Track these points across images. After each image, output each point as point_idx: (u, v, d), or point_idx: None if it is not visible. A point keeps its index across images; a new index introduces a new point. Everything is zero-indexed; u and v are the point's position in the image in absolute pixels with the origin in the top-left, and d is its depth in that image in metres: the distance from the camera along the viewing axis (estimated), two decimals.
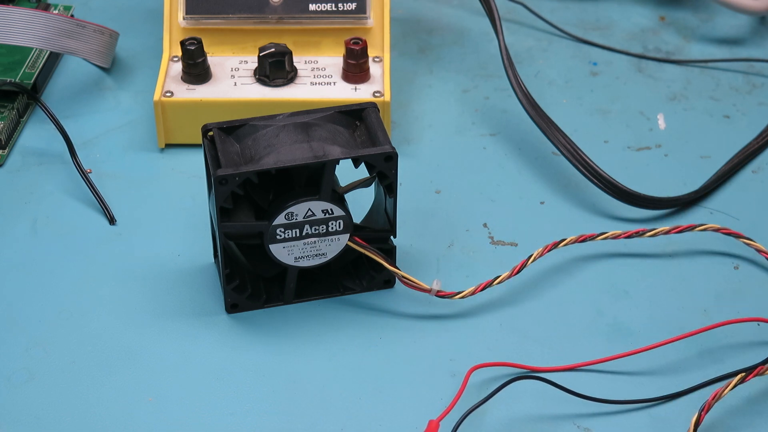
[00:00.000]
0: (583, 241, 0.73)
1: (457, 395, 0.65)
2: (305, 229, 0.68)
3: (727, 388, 0.63)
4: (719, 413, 0.66)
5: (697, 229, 0.74)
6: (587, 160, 0.79)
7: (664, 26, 0.97)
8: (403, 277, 0.70)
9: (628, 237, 0.74)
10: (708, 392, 0.66)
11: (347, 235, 0.69)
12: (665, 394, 0.67)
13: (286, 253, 0.69)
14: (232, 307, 0.71)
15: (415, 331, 0.71)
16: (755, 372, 0.65)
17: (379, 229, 0.72)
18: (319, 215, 0.68)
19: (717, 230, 0.74)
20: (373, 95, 0.81)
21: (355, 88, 0.82)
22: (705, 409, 0.62)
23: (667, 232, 0.74)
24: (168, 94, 0.81)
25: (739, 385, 0.64)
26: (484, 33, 0.95)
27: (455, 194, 0.80)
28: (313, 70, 0.83)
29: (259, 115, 0.70)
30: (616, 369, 0.68)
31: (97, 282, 0.73)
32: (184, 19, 0.84)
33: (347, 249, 0.70)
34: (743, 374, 0.65)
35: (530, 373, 0.66)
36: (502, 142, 0.84)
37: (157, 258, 0.75)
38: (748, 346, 0.70)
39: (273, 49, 0.81)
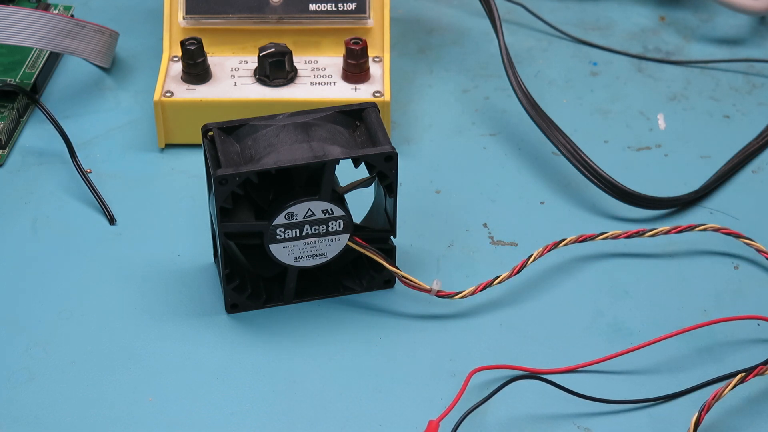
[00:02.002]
0: (583, 241, 0.73)
1: (457, 396, 0.65)
2: (305, 229, 0.68)
3: (727, 388, 0.63)
4: (719, 413, 0.65)
5: (697, 229, 0.74)
6: (587, 160, 0.79)
7: (664, 26, 0.97)
8: (403, 277, 0.70)
9: (628, 237, 0.74)
10: (708, 392, 0.66)
11: (347, 235, 0.69)
12: (665, 394, 0.67)
13: (286, 253, 0.69)
14: (232, 307, 0.71)
15: (415, 331, 0.71)
16: (755, 372, 0.65)
17: (379, 229, 0.72)
18: (319, 215, 0.68)
19: (717, 230, 0.74)
20: (373, 95, 0.81)
21: (355, 88, 0.82)
22: (705, 408, 0.62)
23: (667, 232, 0.74)
24: (168, 94, 0.81)
25: (739, 385, 0.64)
26: (484, 33, 0.95)
27: (455, 194, 0.80)
28: (313, 70, 0.83)
29: (259, 115, 0.70)
30: (616, 369, 0.68)
31: (97, 282, 0.73)
32: (184, 19, 0.84)
33: (347, 249, 0.70)
34: (743, 374, 0.65)
35: (530, 374, 0.66)
36: (502, 142, 0.84)
37: (157, 258, 0.75)
38: (748, 346, 0.70)
39: (273, 49, 0.81)
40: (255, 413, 0.66)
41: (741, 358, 0.69)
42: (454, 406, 0.64)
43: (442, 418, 0.64)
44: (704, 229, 0.74)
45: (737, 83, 0.91)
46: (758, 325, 0.71)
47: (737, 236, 0.74)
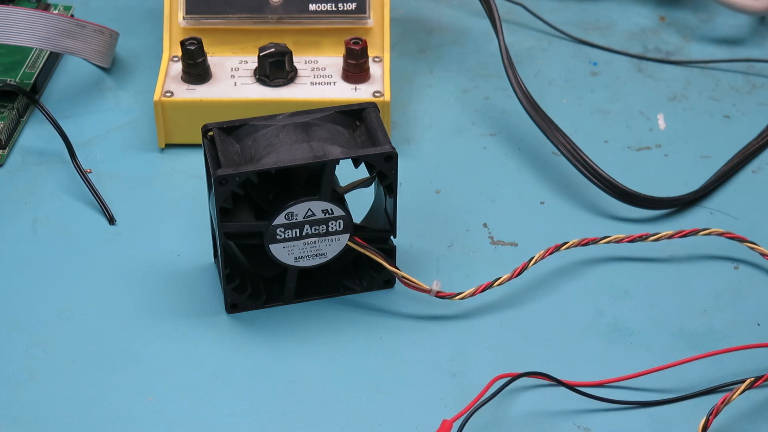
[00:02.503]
0: (586, 244, 0.73)
1: (476, 398, 0.64)
2: (305, 229, 0.68)
3: (736, 392, 0.63)
4: (723, 416, 0.65)
5: (701, 233, 0.73)
6: (587, 160, 0.79)
7: (664, 26, 0.97)
8: (403, 277, 0.70)
9: (632, 241, 0.73)
10: (710, 395, 0.66)
11: (347, 235, 0.69)
12: (667, 397, 0.66)
13: (286, 253, 0.69)
14: (232, 307, 0.71)
15: (415, 331, 0.71)
16: (765, 377, 0.64)
17: (379, 229, 0.71)
18: (319, 215, 0.68)
19: (721, 234, 0.74)
20: (373, 95, 0.81)
21: (355, 88, 0.82)
22: (713, 413, 0.61)
23: (671, 237, 0.73)
24: (168, 94, 0.81)
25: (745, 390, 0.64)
26: (484, 33, 0.95)
27: (455, 194, 0.80)
28: (313, 70, 0.83)
29: (259, 115, 0.70)
30: (617, 369, 0.68)
31: (97, 282, 0.73)
32: (184, 19, 0.84)
33: (347, 249, 0.70)
34: (752, 379, 0.64)
35: (530, 372, 0.66)
36: (502, 142, 0.84)
37: (157, 258, 0.75)
38: (750, 348, 0.69)
39: (273, 49, 0.81)
40: (255, 413, 0.66)
41: (742, 359, 0.69)
42: (470, 407, 0.63)
43: (456, 419, 0.63)
44: (708, 233, 0.73)
45: (737, 83, 0.91)
46: (758, 325, 0.71)
47: (741, 240, 0.74)
